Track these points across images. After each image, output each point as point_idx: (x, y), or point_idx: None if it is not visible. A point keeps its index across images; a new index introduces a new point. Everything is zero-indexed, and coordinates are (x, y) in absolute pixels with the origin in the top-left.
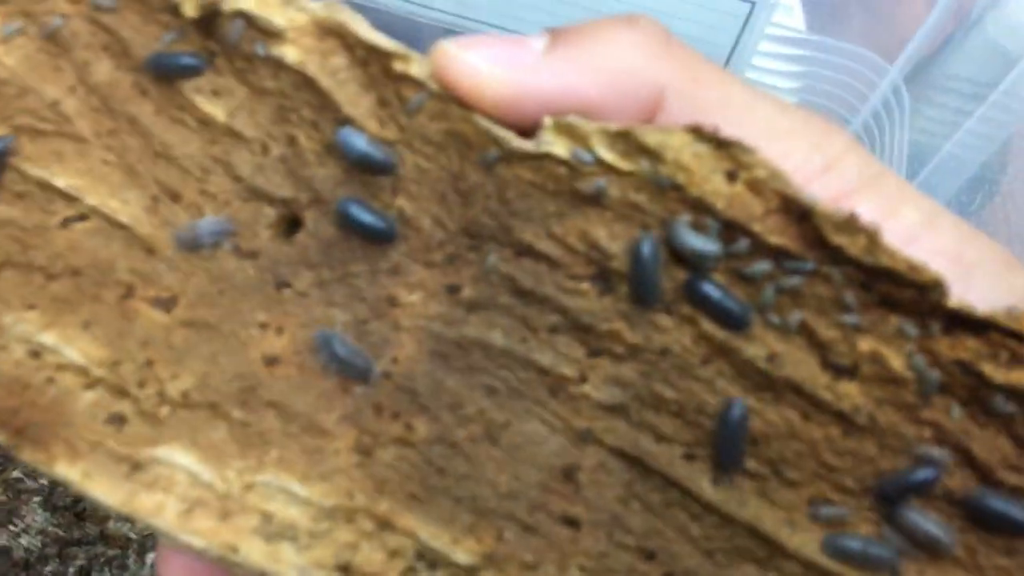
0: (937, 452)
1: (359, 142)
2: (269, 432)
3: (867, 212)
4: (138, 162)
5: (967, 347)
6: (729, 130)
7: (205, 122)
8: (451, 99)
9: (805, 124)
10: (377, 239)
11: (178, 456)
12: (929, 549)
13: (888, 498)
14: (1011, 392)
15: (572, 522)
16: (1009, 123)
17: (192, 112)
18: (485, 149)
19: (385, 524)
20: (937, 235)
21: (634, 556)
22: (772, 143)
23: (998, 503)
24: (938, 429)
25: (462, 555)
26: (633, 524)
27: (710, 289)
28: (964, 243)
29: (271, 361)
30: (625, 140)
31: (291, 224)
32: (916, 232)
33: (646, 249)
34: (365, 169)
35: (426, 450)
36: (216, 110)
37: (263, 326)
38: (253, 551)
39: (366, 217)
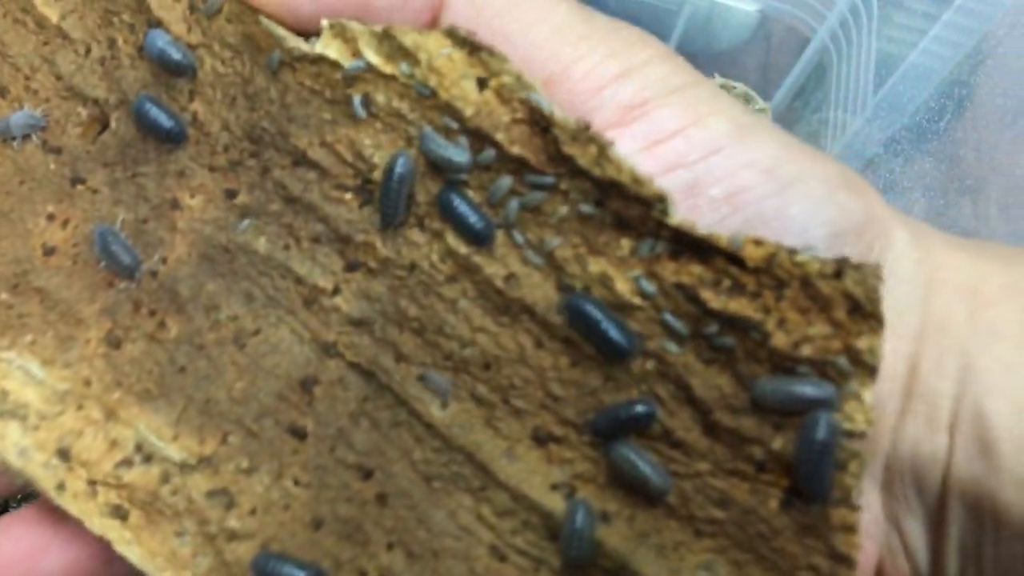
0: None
1: (159, 41)
2: (30, 316)
3: (667, 120)
4: None
5: (691, 272)
6: (515, 34)
7: (41, 24)
8: (244, 1)
9: (607, 32)
10: (167, 139)
11: None
12: (643, 491)
13: (603, 433)
14: (729, 321)
15: (298, 433)
16: (976, 29)
17: (32, 14)
18: (271, 52)
19: (112, 414)
20: (747, 147)
21: (351, 473)
22: (563, 47)
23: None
24: (661, 362)
25: (175, 451)
26: (358, 441)
27: (455, 201)
28: (783, 158)
29: (49, 251)
30: (388, 41)
31: (104, 126)
32: (721, 142)
33: (399, 166)
34: (167, 70)
35: (173, 349)
36: (51, 12)
37: (50, 217)
38: None
39: (155, 114)
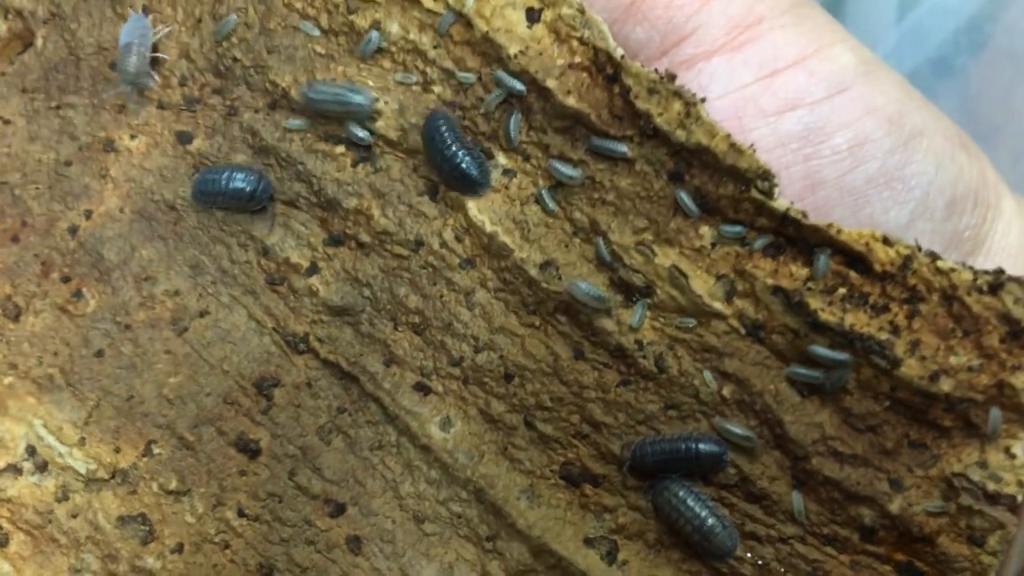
0: (739, 430)
1: None
2: None
3: (785, 45)
4: None
5: (793, 274)
6: None
7: None
8: None
9: None
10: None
11: None
12: (700, 548)
13: (649, 470)
14: (844, 339)
15: (248, 448)
16: None
17: None
18: None
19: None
20: (874, 89)
21: (316, 506)
22: None
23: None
24: (744, 388)
25: (80, 460)
26: (328, 465)
27: (440, 124)
28: (909, 106)
29: None
30: None
31: (26, 45)
32: (848, 79)
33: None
34: None
35: (89, 327)
36: None
37: None
38: None
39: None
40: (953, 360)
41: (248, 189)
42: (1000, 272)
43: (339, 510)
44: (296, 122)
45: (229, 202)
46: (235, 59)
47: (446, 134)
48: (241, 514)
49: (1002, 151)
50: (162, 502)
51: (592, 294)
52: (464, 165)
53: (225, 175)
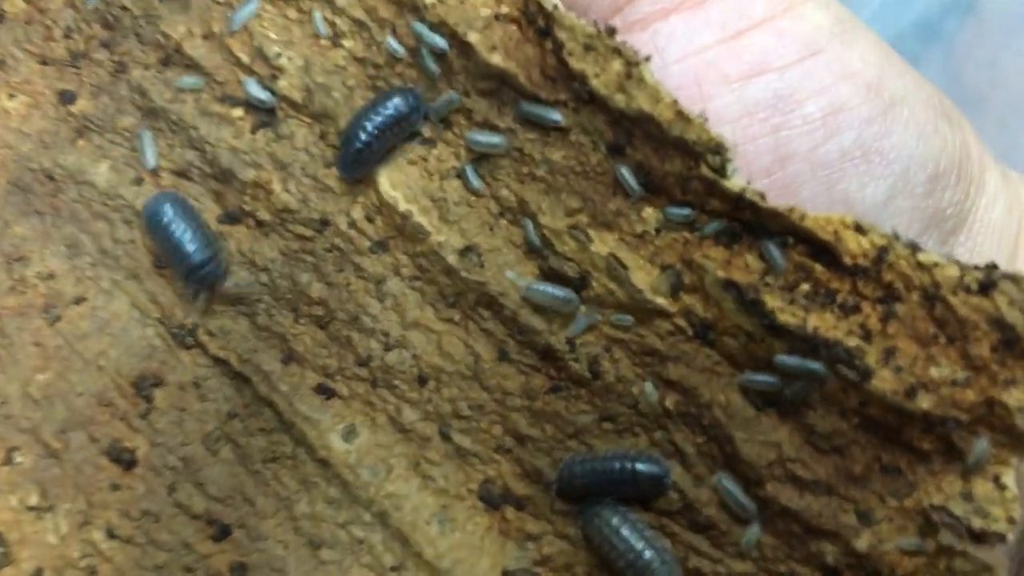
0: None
1: None
2: None
3: (752, 2)
4: None
5: (747, 265)
6: None
7: None
8: None
9: None
10: None
11: None
12: None
13: (578, 493)
14: (806, 345)
15: (123, 458)
16: None
17: None
18: None
19: None
20: (850, 52)
21: (197, 528)
22: None
23: None
24: (690, 399)
25: None
26: (213, 479)
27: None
28: (888, 71)
29: None
30: None
31: None
32: (821, 41)
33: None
34: None
35: None
36: None
37: None
38: None
39: None
40: (934, 372)
41: (195, 261)
42: (992, 268)
43: (223, 533)
44: (189, 80)
45: (167, 254)
46: (124, 8)
47: (376, 110)
48: (111, 535)
49: (988, 118)
50: (21, 519)
51: (556, 295)
52: (347, 148)
53: (181, 232)
